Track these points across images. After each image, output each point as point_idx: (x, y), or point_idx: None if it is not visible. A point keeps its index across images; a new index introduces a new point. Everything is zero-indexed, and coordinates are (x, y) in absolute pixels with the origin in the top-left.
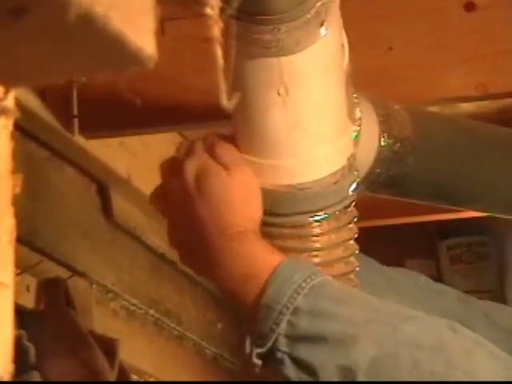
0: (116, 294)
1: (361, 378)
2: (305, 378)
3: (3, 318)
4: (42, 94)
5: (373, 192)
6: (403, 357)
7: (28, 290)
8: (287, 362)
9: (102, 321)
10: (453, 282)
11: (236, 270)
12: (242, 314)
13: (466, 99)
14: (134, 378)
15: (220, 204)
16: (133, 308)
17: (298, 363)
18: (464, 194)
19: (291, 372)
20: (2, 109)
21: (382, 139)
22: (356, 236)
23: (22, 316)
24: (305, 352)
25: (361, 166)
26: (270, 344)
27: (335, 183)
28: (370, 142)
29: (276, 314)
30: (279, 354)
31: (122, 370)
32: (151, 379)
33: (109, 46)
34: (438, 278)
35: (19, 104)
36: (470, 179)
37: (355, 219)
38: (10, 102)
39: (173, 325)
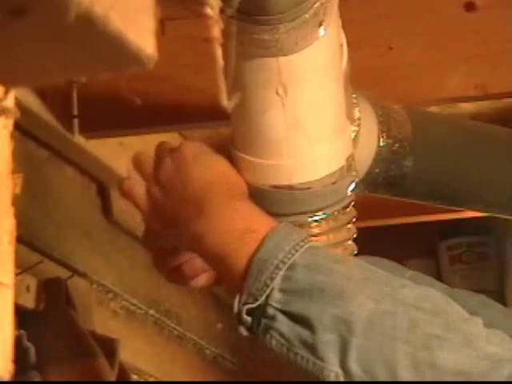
0: (116, 294)
1: (357, 331)
2: (300, 331)
3: (3, 318)
4: (42, 94)
5: (372, 192)
6: (401, 316)
7: (28, 290)
8: (280, 317)
9: (101, 321)
10: (453, 282)
11: (236, 224)
12: (230, 274)
13: (466, 99)
14: (134, 378)
15: (221, 168)
16: (133, 308)
17: (293, 317)
18: (463, 194)
19: (284, 327)
20: (2, 109)
21: (381, 139)
22: (355, 236)
23: (22, 316)
24: (300, 305)
25: (360, 166)
26: (262, 299)
27: (334, 183)
28: (369, 142)
29: (272, 269)
30: (271, 311)
31: (122, 370)
32: (151, 379)
33: (109, 46)
34: (438, 278)
35: (19, 104)
36: (469, 179)
37: (354, 219)
38: (9, 101)
39: (173, 325)
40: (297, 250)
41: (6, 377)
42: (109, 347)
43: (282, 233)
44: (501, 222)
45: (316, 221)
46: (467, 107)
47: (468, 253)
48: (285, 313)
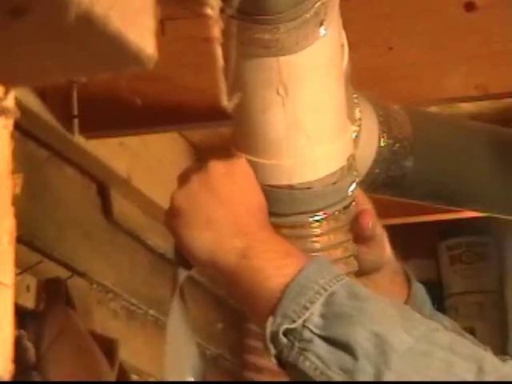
0: (116, 294)
1: (392, 365)
2: (341, 356)
3: (3, 317)
4: (42, 94)
5: (372, 192)
6: (437, 357)
7: (28, 290)
8: (317, 341)
9: (101, 321)
10: (453, 282)
11: (280, 245)
12: (264, 293)
13: (466, 99)
14: (134, 378)
15: (258, 191)
16: (133, 308)
17: (332, 342)
18: (463, 195)
19: (322, 351)
20: (2, 109)
21: (382, 139)
22: None
23: (22, 316)
24: (341, 330)
25: (360, 166)
26: (299, 322)
27: (334, 183)
28: (370, 142)
29: (312, 293)
30: (307, 334)
31: (122, 370)
32: (151, 379)
33: (109, 46)
34: (438, 278)
35: (19, 104)
36: (468, 180)
37: None
38: (9, 101)
39: None
40: (338, 281)
41: (6, 377)
42: (109, 347)
43: (321, 262)
44: (500, 222)
45: (317, 221)
46: (467, 107)
47: (468, 253)
48: (324, 338)
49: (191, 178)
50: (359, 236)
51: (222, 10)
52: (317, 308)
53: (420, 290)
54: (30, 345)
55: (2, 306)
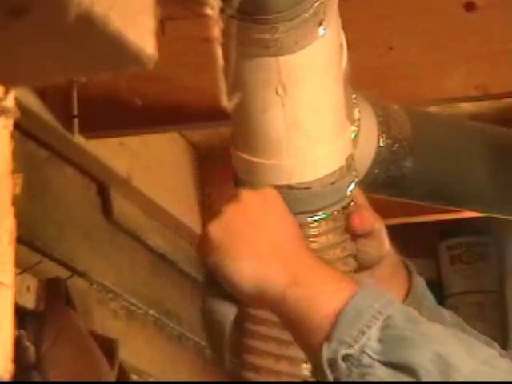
0: (116, 293)
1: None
2: (401, 378)
3: (3, 317)
4: (42, 94)
5: (372, 192)
6: (495, 377)
7: (28, 290)
8: (377, 365)
9: (101, 321)
10: (453, 282)
11: (327, 271)
12: (317, 320)
13: (466, 99)
14: (134, 378)
15: (291, 215)
16: (133, 308)
17: (394, 366)
18: (462, 195)
19: (382, 374)
20: (2, 109)
21: (381, 140)
22: None
23: (22, 316)
24: (401, 353)
25: (360, 166)
26: (357, 346)
27: (333, 183)
28: (369, 142)
29: (369, 317)
30: (366, 360)
31: (122, 370)
32: (151, 379)
33: (109, 46)
34: (438, 278)
35: (19, 104)
36: (468, 180)
37: None
38: (9, 102)
39: (173, 325)
40: (392, 304)
41: (6, 377)
42: (109, 347)
43: (371, 288)
44: (500, 222)
45: (315, 221)
46: (467, 107)
47: (468, 253)
48: (384, 363)
49: (225, 210)
50: (354, 234)
51: (222, 10)
52: (374, 333)
53: (420, 283)
54: (29, 345)
55: (2, 306)
